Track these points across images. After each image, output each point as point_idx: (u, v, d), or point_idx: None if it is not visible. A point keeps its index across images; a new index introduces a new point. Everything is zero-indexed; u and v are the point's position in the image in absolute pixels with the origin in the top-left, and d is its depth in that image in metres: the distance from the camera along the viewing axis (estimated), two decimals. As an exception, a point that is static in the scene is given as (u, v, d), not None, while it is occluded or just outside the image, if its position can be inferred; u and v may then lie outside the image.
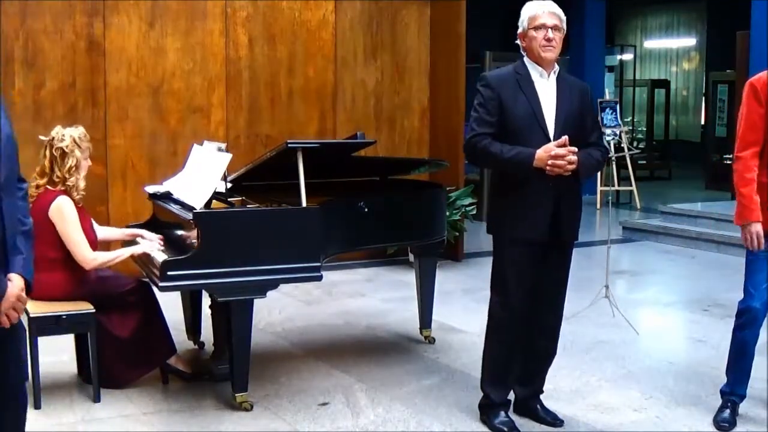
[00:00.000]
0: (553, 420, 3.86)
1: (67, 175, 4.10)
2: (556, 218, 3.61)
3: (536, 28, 3.58)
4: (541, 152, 3.47)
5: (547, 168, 3.46)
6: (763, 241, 3.67)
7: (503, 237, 3.70)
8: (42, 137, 4.18)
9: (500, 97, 3.58)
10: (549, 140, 3.53)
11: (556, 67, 3.69)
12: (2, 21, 6.32)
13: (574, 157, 3.47)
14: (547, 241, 3.63)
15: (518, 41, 3.69)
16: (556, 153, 3.45)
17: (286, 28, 7.34)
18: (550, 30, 3.57)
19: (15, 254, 2.49)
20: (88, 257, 4.12)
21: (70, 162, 4.10)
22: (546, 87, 3.64)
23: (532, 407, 3.91)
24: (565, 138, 3.47)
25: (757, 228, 3.66)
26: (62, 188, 4.11)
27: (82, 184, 4.17)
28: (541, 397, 3.96)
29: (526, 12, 3.65)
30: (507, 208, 3.67)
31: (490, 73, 3.77)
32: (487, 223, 3.80)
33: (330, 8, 7.51)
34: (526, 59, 3.68)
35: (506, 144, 3.54)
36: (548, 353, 3.91)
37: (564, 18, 3.65)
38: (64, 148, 4.09)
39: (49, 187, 4.11)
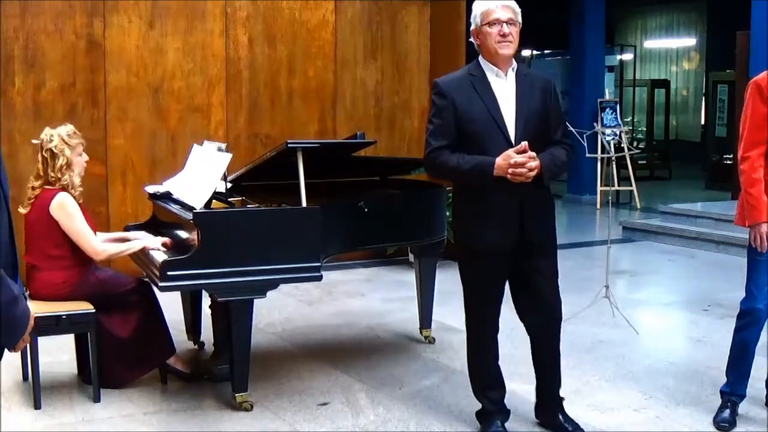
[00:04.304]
0: (573, 429, 3.72)
1: (59, 175, 4.12)
2: (522, 226, 3.47)
3: (490, 24, 3.40)
4: (500, 161, 3.33)
5: (508, 176, 3.33)
6: None
7: (466, 249, 3.58)
8: (34, 141, 4.22)
9: (454, 103, 3.42)
10: (510, 144, 3.38)
11: (514, 64, 3.51)
12: (2, 21, 6.32)
13: (534, 163, 3.34)
14: (516, 251, 3.51)
15: (472, 39, 3.53)
16: (515, 161, 3.32)
17: (286, 28, 7.34)
18: (505, 25, 3.39)
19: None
20: (98, 248, 4.15)
21: (61, 161, 4.12)
22: (504, 87, 3.47)
23: (553, 415, 3.76)
24: (524, 144, 3.33)
25: (766, 229, 3.63)
26: (59, 186, 4.13)
27: (77, 180, 4.19)
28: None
29: (478, 7, 3.46)
30: (470, 219, 3.54)
31: (442, 78, 3.59)
32: (453, 233, 3.66)
33: (330, 8, 7.51)
34: (481, 59, 3.50)
35: (465, 153, 3.41)
36: (550, 355, 3.75)
37: (518, 11, 3.48)
38: (53, 149, 4.12)
39: (46, 187, 4.13)
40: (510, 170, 3.33)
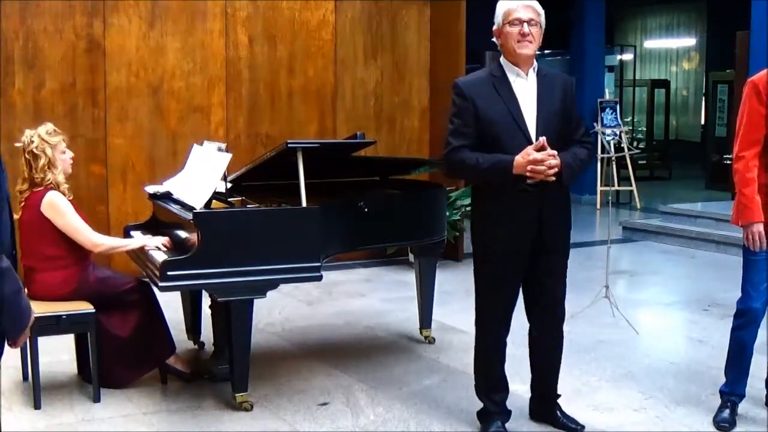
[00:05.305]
0: (574, 426, 3.76)
1: (43, 174, 4.11)
2: (541, 225, 3.48)
3: (511, 23, 3.40)
4: (519, 158, 3.32)
5: (528, 174, 3.33)
6: (765, 241, 3.65)
7: (482, 248, 3.59)
8: (17, 144, 4.21)
9: (475, 104, 3.42)
10: (531, 143, 3.38)
11: (535, 64, 3.51)
12: (2, 21, 6.32)
13: (554, 161, 3.33)
14: (532, 250, 3.51)
15: (494, 39, 3.53)
16: (534, 158, 3.31)
17: (286, 28, 7.34)
18: (525, 24, 3.39)
19: None
20: (96, 241, 4.16)
21: (42, 161, 4.11)
22: (525, 87, 3.47)
23: (551, 413, 3.81)
24: (542, 140, 3.32)
25: (759, 228, 3.63)
26: (46, 186, 4.12)
27: (60, 177, 4.17)
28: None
29: (501, 7, 3.47)
30: (487, 218, 3.54)
31: (463, 79, 3.59)
32: (471, 234, 3.67)
33: (330, 8, 7.51)
34: (502, 59, 3.51)
35: (485, 152, 3.40)
36: (552, 356, 3.80)
37: (542, 12, 3.48)
38: (34, 150, 4.12)
39: (34, 189, 4.13)
40: (529, 167, 3.32)
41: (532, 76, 3.51)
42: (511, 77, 3.49)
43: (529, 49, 3.43)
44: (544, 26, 3.51)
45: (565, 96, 3.54)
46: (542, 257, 3.56)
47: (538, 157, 3.32)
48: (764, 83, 3.64)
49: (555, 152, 3.34)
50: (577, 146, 3.56)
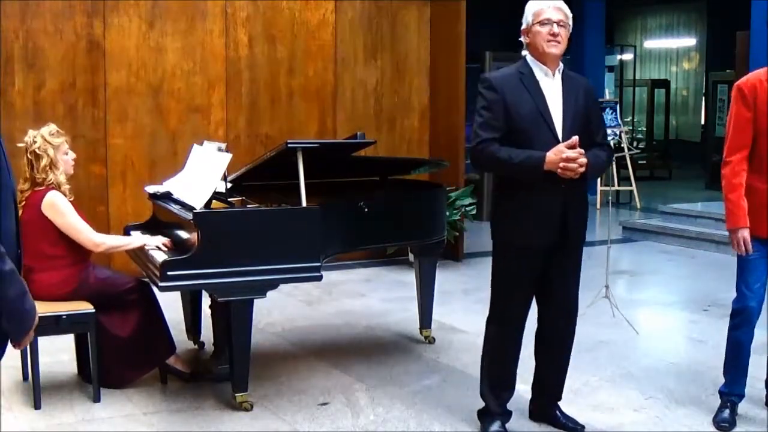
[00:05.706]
0: (574, 426, 3.78)
1: (44, 175, 4.12)
2: (565, 223, 3.52)
3: (541, 23, 3.47)
4: (551, 155, 3.37)
5: (559, 171, 3.37)
6: (750, 245, 3.67)
7: (509, 244, 3.59)
8: (19, 144, 4.21)
9: (504, 98, 3.47)
10: (557, 140, 3.43)
11: (561, 65, 3.59)
12: (2, 21, 6.32)
13: (584, 159, 3.38)
14: (553, 246, 3.55)
15: (522, 38, 3.59)
16: (567, 156, 3.35)
17: (286, 28, 7.34)
18: (555, 25, 3.47)
19: None
20: (96, 241, 4.16)
21: (44, 161, 4.12)
22: (551, 85, 3.54)
23: (551, 414, 3.83)
24: (575, 139, 3.37)
25: (745, 234, 3.66)
26: (47, 186, 4.13)
27: (62, 178, 4.17)
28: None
29: (531, 7, 3.55)
30: (515, 214, 3.55)
31: (492, 74, 3.65)
32: (491, 229, 3.67)
33: (330, 8, 7.51)
34: (529, 58, 3.58)
35: (513, 147, 3.44)
36: (562, 356, 3.81)
37: (570, 15, 3.56)
38: (37, 150, 4.13)
39: (35, 188, 4.13)
40: (561, 164, 3.36)
41: (558, 76, 3.57)
42: (539, 75, 3.54)
43: (558, 48, 3.50)
44: (571, 29, 3.57)
45: (587, 98, 3.62)
46: (562, 253, 3.60)
47: (571, 155, 3.36)
48: (749, 87, 3.68)
49: (583, 151, 3.40)
50: (599, 149, 3.61)
